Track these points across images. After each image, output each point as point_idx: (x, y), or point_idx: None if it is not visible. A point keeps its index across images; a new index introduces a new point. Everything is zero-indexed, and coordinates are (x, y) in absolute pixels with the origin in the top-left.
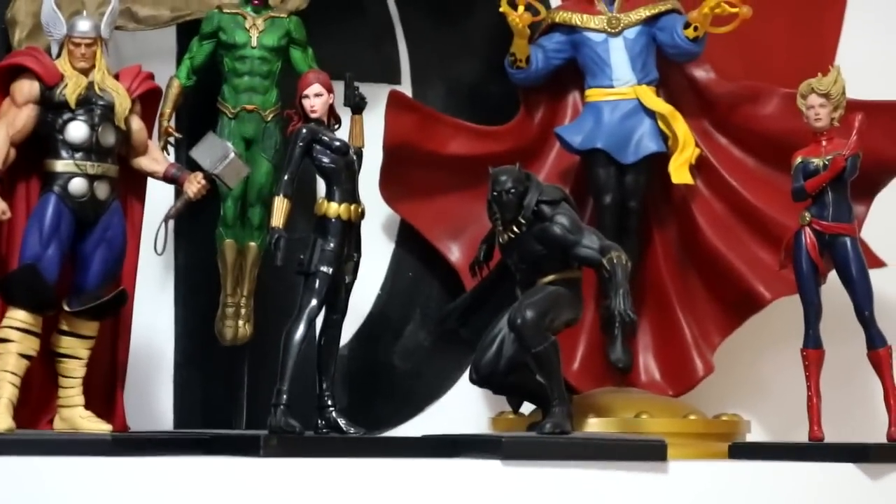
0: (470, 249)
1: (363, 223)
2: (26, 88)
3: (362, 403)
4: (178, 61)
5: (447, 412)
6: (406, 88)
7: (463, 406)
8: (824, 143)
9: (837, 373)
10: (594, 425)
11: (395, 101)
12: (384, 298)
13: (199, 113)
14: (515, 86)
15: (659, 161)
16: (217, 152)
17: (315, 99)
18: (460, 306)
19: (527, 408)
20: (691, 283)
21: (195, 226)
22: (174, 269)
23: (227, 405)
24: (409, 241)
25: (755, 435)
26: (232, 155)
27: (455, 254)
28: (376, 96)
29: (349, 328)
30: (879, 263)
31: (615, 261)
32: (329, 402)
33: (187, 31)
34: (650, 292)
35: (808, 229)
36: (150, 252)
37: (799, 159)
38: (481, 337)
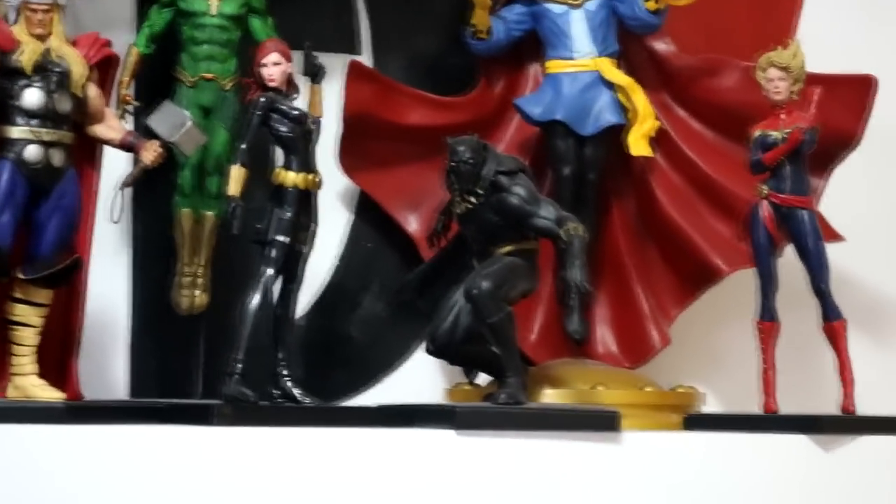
0: (428, 220)
1: (322, 193)
2: None
3: (319, 373)
4: (137, 30)
5: (404, 382)
6: (366, 59)
7: (419, 376)
8: (783, 116)
9: (793, 345)
10: (550, 396)
11: (354, 70)
12: (342, 269)
13: (157, 81)
14: (476, 57)
15: (618, 133)
16: (174, 120)
17: (273, 68)
18: (417, 277)
19: (483, 378)
20: (649, 255)
21: (152, 194)
22: (131, 237)
23: (182, 374)
24: (368, 212)
25: (711, 406)
26: (189, 123)
27: (413, 224)
28: (336, 66)
29: (306, 298)
30: (837, 237)
31: (572, 232)
32: (284, 372)
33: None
34: (608, 264)
35: (765, 202)
36: (107, 220)
37: (757, 132)
38: (438, 308)
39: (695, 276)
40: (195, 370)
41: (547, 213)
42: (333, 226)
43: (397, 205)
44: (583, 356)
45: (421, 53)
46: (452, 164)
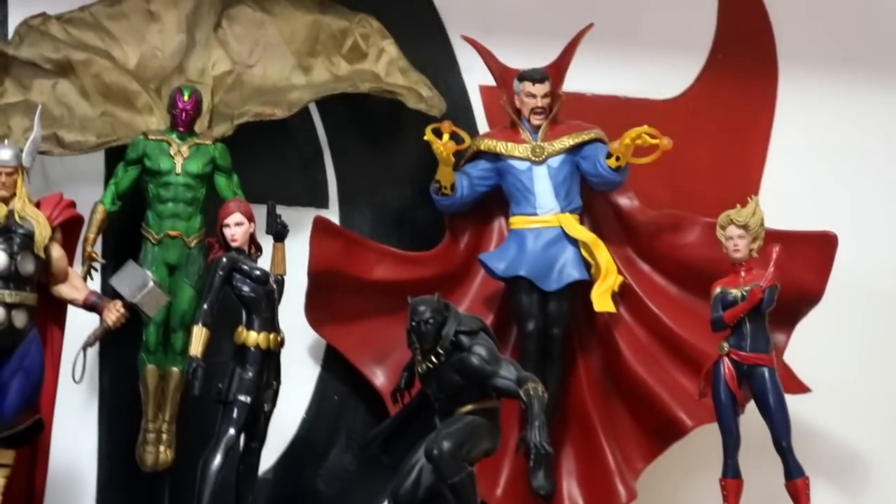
0: (395, 374)
1: (289, 346)
2: None
3: None
4: (106, 185)
5: None
6: (333, 213)
7: None
8: (743, 273)
9: (758, 499)
10: None
11: (319, 227)
12: (309, 422)
13: (124, 238)
14: (442, 212)
15: (582, 288)
16: (137, 281)
17: (235, 228)
18: (382, 433)
19: None
20: (615, 410)
21: (121, 349)
22: (98, 392)
23: None
24: (335, 365)
25: None
26: (151, 284)
27: (380, 378)
28: (303, 220)
29: (274, 451)
30: (803, 389)
31: (532, 392)
32: None
33: (116, 154)
34: (574, 418)
35: (726, 359)
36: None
37: (718, 290)
38: (400, 465)
39: (660, 431)
40: None
41: (507, 373)
42: (301, 379)
43: (364, 358)
44: None
45: (387, 207)
46: (413, 323)
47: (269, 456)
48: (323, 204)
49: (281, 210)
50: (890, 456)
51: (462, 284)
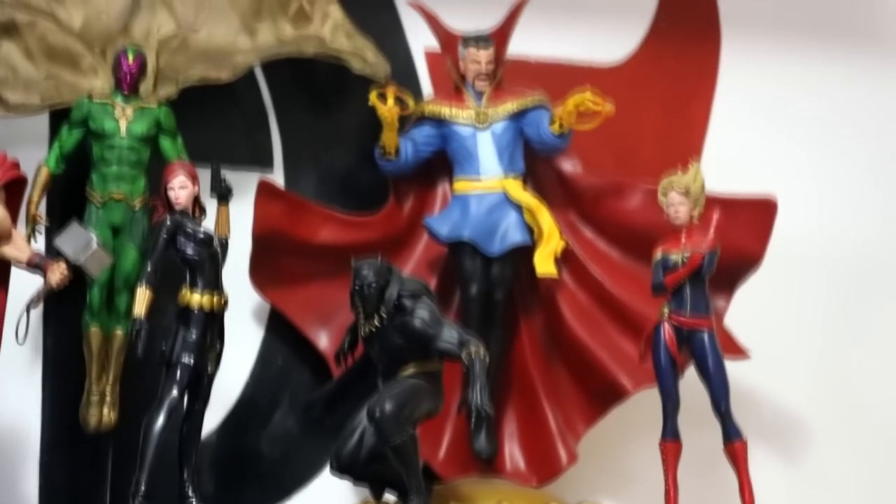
0: (339, 336)
1: (233, 309)
2: None
3: (230, 490)
4: (51, 146)
5: (314, 498)
6: (278, 175)
7: (330, 492)
8: (684, 238)
9: (697, 463)
10: None
11: (263, 189)
12: (253, 384)
13: (68, 200)
14: (386, 175)
15: (525, 252)
16: (80, 241)
17: (179, 190)
18: (324, 395)
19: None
20: (556, 373)
21: (65, 309)
22: (42, 352)
23: (92, 490)
24: (279, 328)
25: None
26: (94, 245)
27: (323, 341)
28: (248, 182)
29: (218, 414)
30: (742, 354)
31: (473, 355)
32: (189, 492)
33: (60, 116)
34: (516, 381)
35: (666, 324)
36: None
37: (659, 254)
38: (343, 427)
39: (602, 394)
40: (103, 486)
41: (449, 335)
42: (244, 342)
43: (308, 321)
44: (491, 473)
45: (332, 170)
46: (356, 286)
47: (213, 418)
48: (267, 166)
49: (225, 172)
50: (828, 420)
51: (406, 248)
